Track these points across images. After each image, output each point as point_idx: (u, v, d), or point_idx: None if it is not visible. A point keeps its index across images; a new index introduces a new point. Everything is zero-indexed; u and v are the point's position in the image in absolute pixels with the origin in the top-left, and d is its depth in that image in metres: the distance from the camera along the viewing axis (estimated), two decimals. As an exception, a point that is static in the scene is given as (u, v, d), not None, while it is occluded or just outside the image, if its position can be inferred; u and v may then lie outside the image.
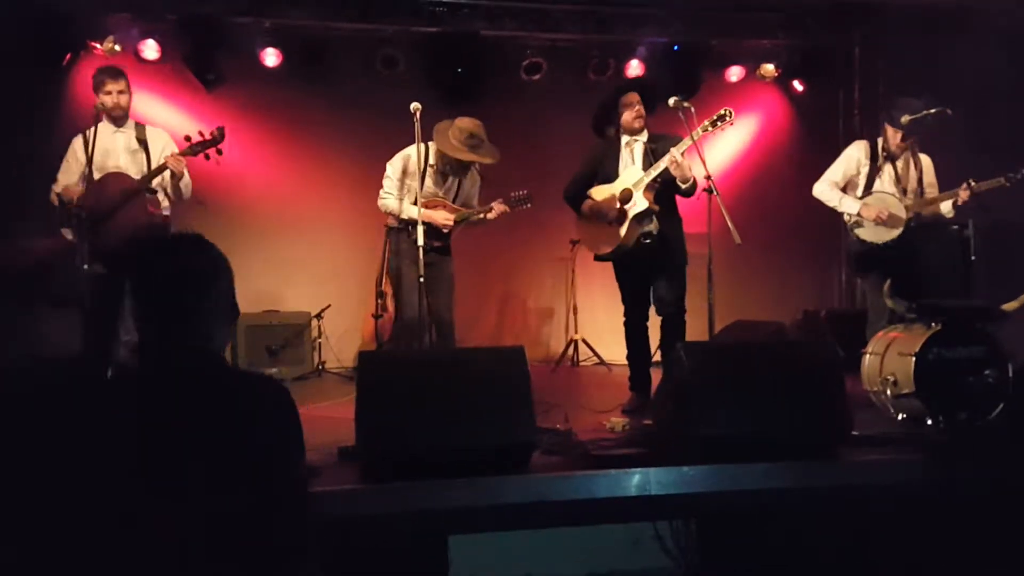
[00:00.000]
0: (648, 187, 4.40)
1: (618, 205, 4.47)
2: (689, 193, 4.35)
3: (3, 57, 5.61)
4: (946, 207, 4.94)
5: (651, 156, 4.45)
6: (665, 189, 4.43)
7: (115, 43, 6.44)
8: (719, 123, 4.31)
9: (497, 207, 4.81)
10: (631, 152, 4.58)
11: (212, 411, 1.65)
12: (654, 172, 4.35)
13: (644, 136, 4.57)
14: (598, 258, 4.66)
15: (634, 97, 4.57)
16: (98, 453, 1.58)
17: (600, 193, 4.59)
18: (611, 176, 4.59)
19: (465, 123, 4.66)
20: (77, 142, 4.63)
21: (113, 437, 1.59)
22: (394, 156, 4.82)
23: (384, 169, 4.85)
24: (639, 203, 4.42)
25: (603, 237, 4.56)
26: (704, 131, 4.30)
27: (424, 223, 4.44)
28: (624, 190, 4.47)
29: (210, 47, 6.60)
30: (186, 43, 6.56)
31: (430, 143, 4.75)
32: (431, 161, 4.75)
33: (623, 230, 4.47)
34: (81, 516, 1.54)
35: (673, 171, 4.26)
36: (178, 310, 1.74)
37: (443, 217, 4.69)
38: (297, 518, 1.71)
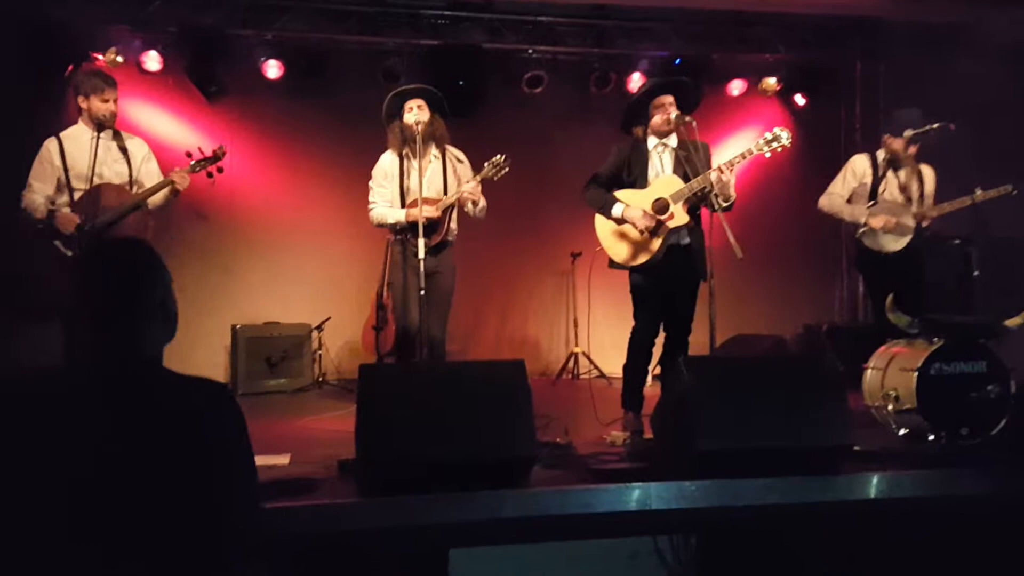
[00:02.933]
0: (686, 200, 4.21)
1: (653, 215, 4.23)
2: (728, 209, 4.11)
3: (6, 67, 5.61)
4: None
5: (683, 165, 4.23)
6: (697, 201, 4.23)
7: (117, 54, 6.46)
8: (774, 144, 4.15)
9: (474, 182, 4.58)
10: (660, 158, 4.37)
11: (143, 418, 1.63)
12: (697, 186, 4.11)
13: (673, 141, 4.36)
14: (614, 266, 4.42)
15: (667, 99, 4.33)
16: (47, 463, 1.57)
17: (629, 198, 4.33)
18: (639, 181, 4.35)
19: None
20: (52, 144, 4.39)
21: (57, 449, 1.58)
22: None
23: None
24: (678, 217, 4.20)
25: (633, 246, 4.31)
26: (759, 151, 4.16)
27: (412, 223, 4.40)
28: (659, 200, 4.23)
29: (212, 59, 6.62)
30: (188, 55, 6.58)
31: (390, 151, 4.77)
32: (405, 151, 4.69)
33: (657, 243, 4.24)
34: (30, 525, 1.55)
35: (719, 188, 4.04)
36: (105, 316, 1.72)
37: (426, 211, 4.48)
38: (243, 522, 1.70)
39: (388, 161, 4.76)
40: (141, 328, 1.73)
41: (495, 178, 4.65)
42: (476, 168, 4.74)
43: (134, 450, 1.58)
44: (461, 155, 4.84)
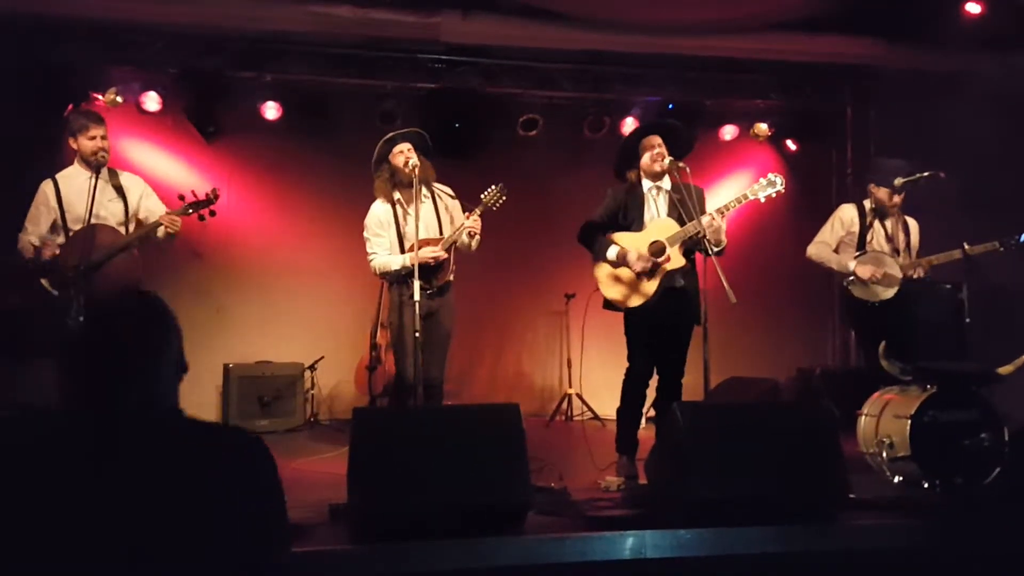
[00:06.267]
0: (681, 243, 4.25)
1: (649, 257, 4.26)
2: (719, 254, 4.15)
3: (7, 107, 5.65)
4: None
5: (677, 208, 4.27)
6: (692, 245, 4.28)
7: (117, 94, 6.50)
8: (768, 188, 4.24)
9: (473, 217, 4.56)
10: (655, 201, 4.41)
11: (179, 475, 1.57)
12: (692, 230, 4.16)
13: (667, 183, 4.41)
14: (609, 307, 4.43)
15: (656, 140, 4.40)
16: (68, 518, 1.53)
17: (625, 240, 4.36)
18: (634, 223, 4.40)
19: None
20: (48, 187, 4.39)
21: (80, 504, 1.52)
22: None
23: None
24: (675, 259, 4.25)
25: (629, 288, 4.32)
26: (753, 196, 4.22)
27: (415, 266, 4.35)
28: (656, 243, 4.27)
29: (211, 100, 6.67)
30: (187, 96, 6.63)
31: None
32: (397, 197, 4.68)
33: (653, 285, 4.28)
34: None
35: (710, 233, 4.10)
36: (119, 370, 1.70)
37: (430, 251, 4.46)
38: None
39: (382, 210, 4.72)
40: (154, 382, 1.70)
41: (494, 207, 4.65)
42: (469, 204, 4.73)
43: (150, 500, 1.54)
44: (449, 190, 4.84)
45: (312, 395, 6.92)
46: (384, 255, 4.68)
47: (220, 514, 1.57)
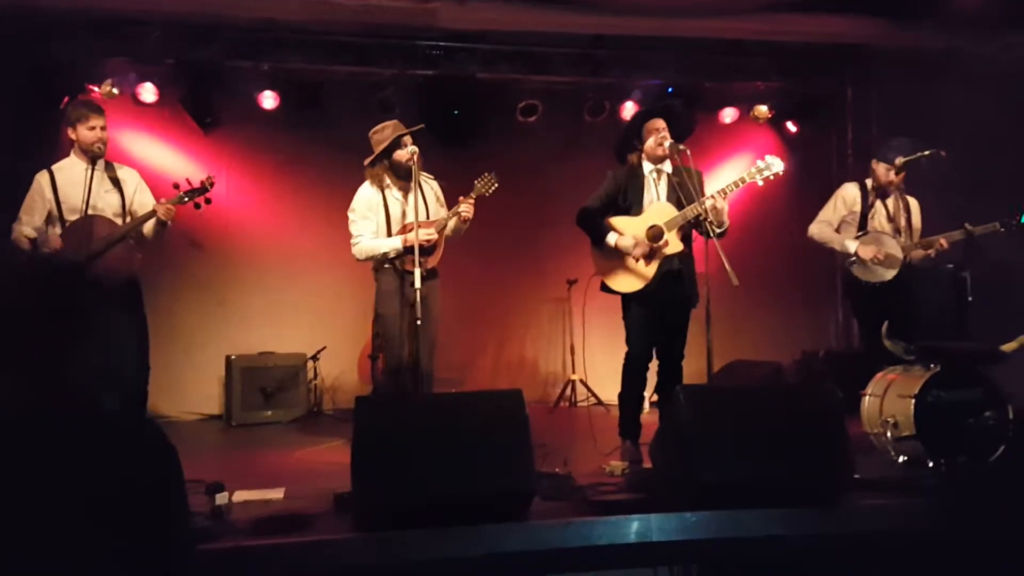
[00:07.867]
0: (679, 227, 4.24)
1: (647, 242, 4.26)
2: (721, 236, 4.12)
3: (3, 100, 5.62)
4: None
5: (677, 191, 4.28)
6: (691, 228, 4.28)
7: (113, 86, 6.48)
8: (766, 172, 4.21)
9: (466, 201, 4.55)
10: (656, 184, 4.39)
11: (75, 459, 1.61)
12: (691, 213, 4.16)
13: (668, 167, 4.39)
14: (606, 289, 4.43)
15: (660, 123, 4.39)
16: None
17: (623, 224, 4.36)
18: (633, 207, 4.39)
19: (379, 127, 4.67)
20: (43, 178, 4.36)
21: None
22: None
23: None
24: (673, 244, 4.24)
25: (627, 273, 4.33)
26: (751, 179, 4.20)
27: (407, 248, 4.33)
28: (653, 227, 4.27)
29: (208, 90, 6.65)
30: (184, 86, 6.62)
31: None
32: (387, 182, 4.63)
33: (651, 270, 4.27)
34: None
35: (713, 215, 4.09)
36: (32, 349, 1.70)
37: (424, 233, 4.42)
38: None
39: (373, 193, 4.66)
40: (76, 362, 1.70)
41: (487, 193, 4.63)
42: (458, 192, 4.68)
43: (58, 491, 1.54)
44: (434, 180, 4.80)
45: (315, 385, 6.93)
46: (370, 239, 4.61)
47: (109, 501, 1.57)
